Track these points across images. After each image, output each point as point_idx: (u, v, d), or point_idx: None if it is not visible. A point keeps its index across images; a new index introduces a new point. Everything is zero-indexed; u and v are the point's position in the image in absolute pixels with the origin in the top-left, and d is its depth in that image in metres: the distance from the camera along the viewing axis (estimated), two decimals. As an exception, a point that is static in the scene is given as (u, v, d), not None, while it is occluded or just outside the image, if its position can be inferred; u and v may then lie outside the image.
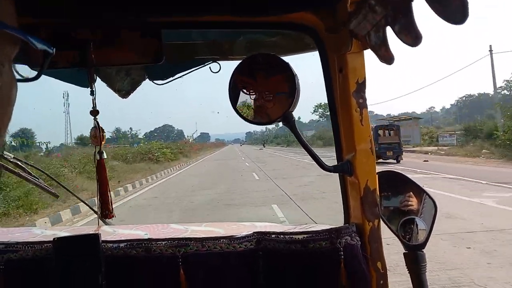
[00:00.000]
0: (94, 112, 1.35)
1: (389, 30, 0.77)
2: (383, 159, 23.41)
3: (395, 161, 23.34)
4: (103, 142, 1.36)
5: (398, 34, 0.69)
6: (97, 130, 1.34)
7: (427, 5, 0.59)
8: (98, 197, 1.41)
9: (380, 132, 24.44)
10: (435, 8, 0.57)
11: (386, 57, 0.80)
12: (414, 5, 0.65)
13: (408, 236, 1.14)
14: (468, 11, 0.54)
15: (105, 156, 1.39)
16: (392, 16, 0.72)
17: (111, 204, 1.42)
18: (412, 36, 0.65)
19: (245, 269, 1.15)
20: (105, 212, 1.41)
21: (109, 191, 1.41)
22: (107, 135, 1.44)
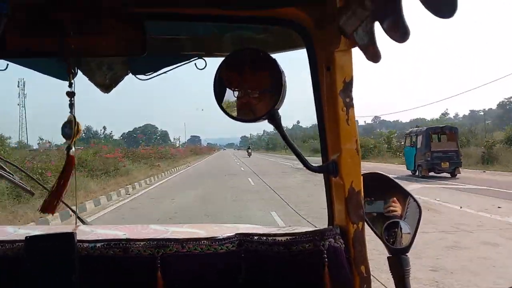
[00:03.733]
0: (70, 94, 1.34)
1: (377, 29, 0.80)
2: (435, 172, 20.01)
3: (450, 175, 19.88)
4: (78, 136, 1.36)
5: (386, 30, 0.73)
6: (73, 123, 1.33)
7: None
8: (54, 188, 1.40)
9: (428, 137, 20.68)
10: (424, 2, 0.60)
11: (373, 55, 0.84)
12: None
13: (392, 240, 1.18)
14: (456, 4, 0.57)
15: (73, 151, 1.38)
16: (381, 11, 0.75)
17: (58, 202, 1.41)
18: (400, 32, 0.68)
19: (227, 271, 1.18)
20: (47, 206, 1.40)
21: (64, 188, 1.40)
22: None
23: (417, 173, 20.81)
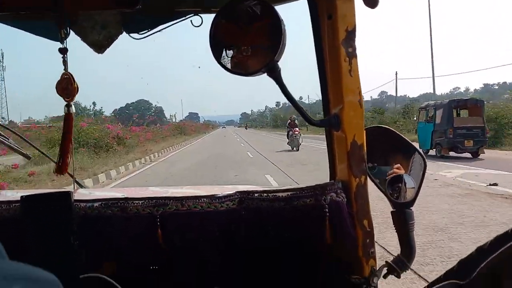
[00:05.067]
0: (63, 50, 1.35)
1: None
2: (456, 152, 17.56)
3: (471, 155, 17.72)
4: (76, 94, 1.40)
5: None
6: (70, 80, 1.37)
7: None
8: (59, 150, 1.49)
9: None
10: None
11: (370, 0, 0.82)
12: None
13: (396, 194, 1.19)
14: None
15: (74, 110, 1.46)
16: None
17: (69, 158, 1.51)
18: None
19: (227, 229, 1.20)
20: (60, 164, 1.50)
21: (72, 144, 1.50)
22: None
23: (434, 153, 18.50)
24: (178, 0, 1.47)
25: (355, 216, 1.15)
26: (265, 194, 1.20)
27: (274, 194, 1.19)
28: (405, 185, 1.20)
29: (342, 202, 1.14)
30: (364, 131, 1.16)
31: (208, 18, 1.42)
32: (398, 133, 1.29)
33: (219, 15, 1.05)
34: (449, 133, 17.74)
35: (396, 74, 58.19)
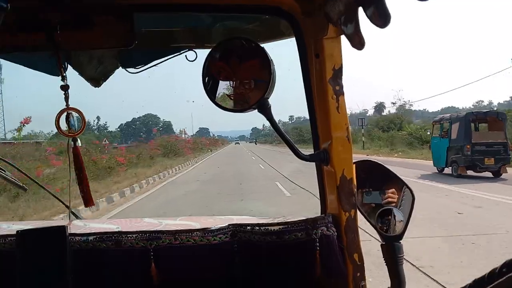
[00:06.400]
0: (65, 87, 1.36)
1: (361, 17, 0.84)
2: (475, 171, 15.84)
3: (492, 174, 15.90)
4: (82, 131, 1.40)
5: (369, 16, 0.76)
6: (70, 117, 1.36)
7: None
8: (76, 187, 1.48)
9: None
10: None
11: (357, 42, 0.88)
12: None
13: (385, 227, 1.22)
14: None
15: (80, 144, 1.45)
16: None
17: (90, 192, 1.50)
18: (382, 18, 0.72)
19: (220, 262, 1.23)
20: (86, 200, 1.48)
21: (87, 179, 1.48)
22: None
23: (450, 171, 16.97)
24: (173, 36, 1.54)
25: (346, 250, 1.18)
26: (257, 228, 1.24)
27: (266, 227, 1.23)
28: (394, 218, 1.23)
29: (332, 236, 1.17)
30: (354, 165, 1.20)
31: (202, 53, 1.47)
32: (387, 167, 1.33)
33: (212, 54, 1.12)
34: (466, 149, 15.94)
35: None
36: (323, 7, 1.04)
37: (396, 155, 23.17)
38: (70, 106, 1.38)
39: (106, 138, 31.38)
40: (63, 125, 1.39)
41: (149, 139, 42.71)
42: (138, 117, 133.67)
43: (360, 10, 0.83)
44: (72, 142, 1.44)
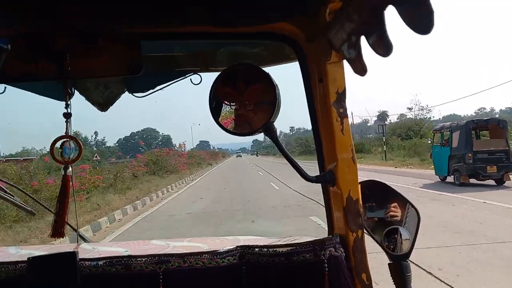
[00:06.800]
0: (67, 115, 1.37)
1: (363, 44, 0.87)
2: (477, 179, 15.79)
3: (495, 182, 15.79)
4: (77, 160, 1.41)
5: (371, 44, 0.79)
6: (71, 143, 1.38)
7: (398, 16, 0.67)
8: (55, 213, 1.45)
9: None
10: (403, 17, 0.66)
11: (360, 68, 0.91)
12: (388, 16, 0.74)
13: (392, 246, 1.24)
14: (433, 21, 0.63)
15: (71, 172, 1.44)
16: (367, 26, 0.82)
17: (64, 224, 1.47)
18: (384, 47, 0.75)
19: (229, 285, 1.25)
20: (56, 231, 1.47)
21: (66, 209, 1.46)
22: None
23: (452, 180, 16.90)
24: (178, 60, 1.58)
25: (354, 270, 1.19)
26: (265, 249, 1.25)
27: (274, 249, 1.24)
28: (401, 237, 1.26)
29: (341, 257, 1.19)
30: (359, 185, 1.23)
31: (207, 76, 1.52)
32: (389, 185, 1.36)
33: (218, 80, 1.16)
34: (468, 158, 15.97)
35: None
36: (326, 34, 1.07)
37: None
38: (68, 134, 1.39)
39: (97, 154, 29.70)
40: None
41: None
42: (136, 131, 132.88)
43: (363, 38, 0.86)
44: (63, 170, 1.44)
